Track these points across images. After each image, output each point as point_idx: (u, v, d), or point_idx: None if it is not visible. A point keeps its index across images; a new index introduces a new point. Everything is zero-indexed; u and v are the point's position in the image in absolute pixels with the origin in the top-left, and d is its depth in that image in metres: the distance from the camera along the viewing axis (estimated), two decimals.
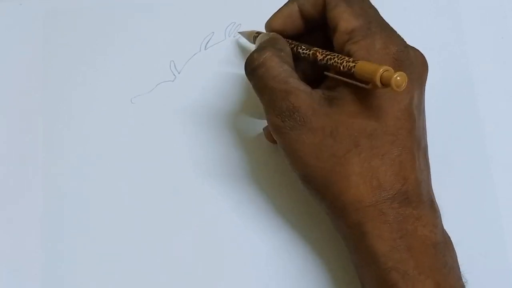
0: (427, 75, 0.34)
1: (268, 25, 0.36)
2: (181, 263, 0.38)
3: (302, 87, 0.32)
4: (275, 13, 0.36)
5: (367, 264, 0.31)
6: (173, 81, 0.42)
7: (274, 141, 0.37)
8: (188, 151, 0.40)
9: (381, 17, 0.33)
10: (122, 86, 0.42)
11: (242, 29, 0.42)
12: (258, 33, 0.38)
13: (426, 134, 0.34)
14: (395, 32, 0.33)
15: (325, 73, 0.33)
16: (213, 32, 0.43)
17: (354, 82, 0.31)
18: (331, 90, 0.32)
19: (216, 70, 0.42)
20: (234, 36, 0.43)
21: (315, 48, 0.34)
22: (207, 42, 0.42)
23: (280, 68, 0.32)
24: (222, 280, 0.38)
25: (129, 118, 0.41)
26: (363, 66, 0.30)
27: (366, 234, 0.30)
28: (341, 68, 0.31)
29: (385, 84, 0.29)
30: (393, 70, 0.29)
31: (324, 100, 0.32)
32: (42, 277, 0.38)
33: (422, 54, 0.34)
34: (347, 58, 0.31)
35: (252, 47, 0.39)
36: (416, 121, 0.32)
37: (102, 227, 0.39)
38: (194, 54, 0.42)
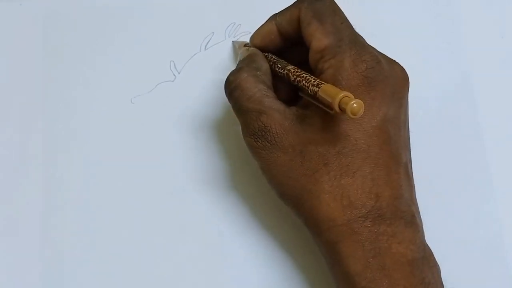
0: (407, 88, 0.34)
1: (251, 41, 0.37)
2: (177, 263, 0.38)
3: (276, 105, 0.33)
4: (256, 30, 0.37)
5: (343, 282, 0.31)
6: (173, 81, 0.42)
7: None
8: (187, 151, 0.40)
9: (354, 32, 0.33)
10: (122, 86, 0.42)
11: (242, 30, 0.42)
12: (247, 44, 0.39)
13: (408, 149, 0.34)
14: (367, 47, 0.33)
15: (299, 93, 0.34)
16: (213, 32, 0.43)
17: (320, 106, 0.31)
18: (304, 108, 0.33)
19: (216, 70, 0.42)
20: (234, 37, 0.43)
21: (289, 67, 0.34)
22: (207, 42, 0.42)
23: (255, 89, 0.33)
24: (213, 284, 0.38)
25: (129, 118, 0.41)
26: (325, 91, 0.30)
27: (339, 253, 0.30)
28: (308, 91, 0.32)
29: (342, 110, 0.29)
30: (352, 97, 0.29)
31: (296, 118, 0.32)
32: (42, 277, 0.38)
33: (401, 67, 0.34)
34: (312, 81, 0.31)
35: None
36: (392, 137, 0.32)
37: (101, 227, 0.39)
38: (194, 54, 0.42)
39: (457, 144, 0.40)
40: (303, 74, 0.33)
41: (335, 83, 0.31)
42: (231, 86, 0.34)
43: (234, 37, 0.43)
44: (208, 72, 0.42)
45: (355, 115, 0.28)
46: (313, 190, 0.31)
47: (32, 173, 0.40)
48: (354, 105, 0.28)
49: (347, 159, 0.31)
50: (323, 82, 0.31)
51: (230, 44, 0.42)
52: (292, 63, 0.35)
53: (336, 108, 0.29)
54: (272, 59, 0.36)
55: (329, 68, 0.32)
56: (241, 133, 0.34)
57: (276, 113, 0.32)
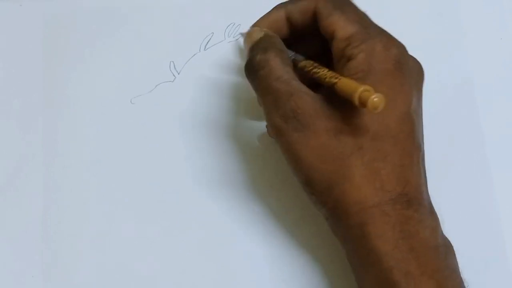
0: (423, 82, 0.34)
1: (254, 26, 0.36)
2: (178, 263, 0.38)
3: (305, 89, 0.32)
4: (262, 16, 0.36)
5: (368, 265, 0.31)
6: (172, 81, 0.42)
7: None
8: (187, 151, 0.40)
9: (375, 22, 0.34)
10: (122, 86, 0.42)
11: (242, 30, 0.42)
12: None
13: (423, 140, 0.34)
14: (392, 36, 0.33)
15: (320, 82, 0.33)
16: (213, 33, 0.43)
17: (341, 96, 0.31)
18: (332, 94, 0.32)
19: (215, 71, 0.42)
20: (234, 37, 0.43)
21: (304, 62, 0.34)
22: (207, 43, 0.42)
23: (283, 70, 0.32)
24: (221, 284, 0.38)
25: (129, 118, 0.41)
26: (343, 85, 0.30)
27: (368, 234, 0.30)
28: (326, 82, 0.32)
29: (363, 104, 0.29)
30: (372, 90, 0.29)
31: (326, 103, 0.32)
32: (42, 277, 0.38)
33: (418, 62, 0.34)
34: (329, 74, 0.31)
35: None
36: (416, 125, 0.32)
37: (101, 227, 0.39)
38: (194, 55, 0.42)
39: (457, 144, 0.40)
40: (320, 67, 0.33)
41: (368, 66, 0.31)
42: (257, 65, 0.33)
43: (234, 37, 0.43)
44: (208, 72, 0.42)
45: (376, 109, 0.29)
46: (347, 174, 0.31)
47: (32, 173, 0.40)
48: (375, 99, 0.28)
49: (380, 144, 0.31)
50: (339, 76, 0.31)
51: (230, 44, 0.42)
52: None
53: (357, 103, 0.29)
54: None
55: (360, 53, 0.32)
56: (265, 115, 0.33)
57: (306, 95, 0.32)
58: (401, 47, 0.33)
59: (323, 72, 0.32)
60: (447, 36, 0.43)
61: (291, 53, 0.35)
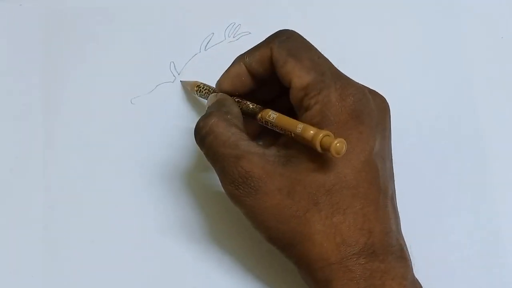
0: (389, 117, 0.34)
1: (218, 86, 0.36)
2: (178, 263, 0.38)
3: (254, 149, 0.31)
4: (223, 73, 0.35)
5: None
6: (173, 82, 0.42)
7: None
8: (187, 151, 0.40)
9: (333, 66, 0.32)
10: (122, 86, 0.42)
11: (242, 31, 0.42)
12: (199, 85, 0.38)
13: (393, 180, 0.33)
14: (350, 80, 0.32)
15: (275, 129, 0.33)
16: (213, 33, 0.43)
17: (300, 142, 0.30)
18: (286, 148, 0.32)
19: (216, 71, 0.41)
20: (234, 37, 0.43)
21: (260, 113, 0.33)
22: (207, 43, 0.42)
23: (229, 133, 0.32)
24: None
25: (129, 119, 0.41)
26: (304, 131, 0.30)
27: None
28: (285, 132, 0.31)
29: (325, 150, 0.29)
30: (332, 135, 0.29)
31: (278, 160, 0.31)
32: (42, 277, 0.38)
33: (382, 97, 0.33)
34: (289, 123, 0.31)
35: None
36: (380, 170, 0.31)
37: (101, 227, 0.39)
38: (194, 55, 0.42)
39: (457, 144, 0.40)
40: (273, 119, 0.32)
41: (323, 118, 0.30)
42: (202, 132, 0.32)
43: (234, 37, 0.42)
44: (208, 72, 0.41)
45: (339, 154, 0.28)
46: (305, 232, 0.30)
47: (32, 173, 0.40)
48: (338, 144, 0.28)
49: (337, 197, 0.30)
50: (300, 122, 0.30)
51: (230, 45, 0.42)
52: (261, 103, 0.34)
53: (318, 148, 0.29)
54: (242, 101, 0.35)
55: (316, 104, 0.31)
56: (219, 182, 0.32)
57: (255, 156, 0.31)
58: (358, 93, 0.31)
59: (281, 122, 0.32)
60: (447, 36, 0.43)
61: (252, 105, 0.34)
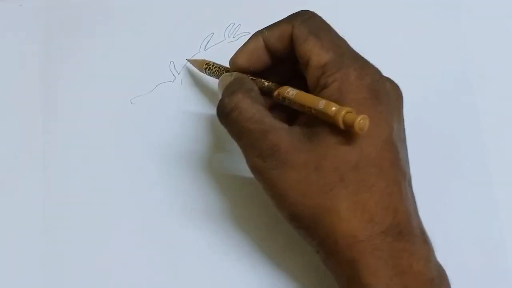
0: (403, 106, 0.34)
1: (233, 62, 0.35)
2: (178, 263, 0.38)
3: (279, 125, 0.32)
4: (239, 48, 0.35)
5: None
6: (172, 81, 0.42)
7: None
8: (187, 151, 0.40)
9: (352, 48, 0.33)
10: (122, 86, 0.42)
11: (241, 31, 0.42)
12: (209, 63, 0.38)
13: (409, 165, 0.33)
14: (368, 62, 0.32)
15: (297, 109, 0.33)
16: (213, 33, 0.43)
17: (321, 118, 0.30)
18: (308, 126, 0.32)
19: None
20: (234, 37, 0.43)
21: (278, 90, 0.33)
22: (207, 43, 0.42)
23: (253, 109, 0.32)
24: None
25: (129, 118, 0.41)
26: (326, 107, 0.30)
27: (360, 271, 0.29)
28: (305, 108, 0.31)
29: (348, 126, 0.29)
30: (354, 111, 0.29)
31: (303, 136, 0.31)
32: (42, 277, 0.38)
33: (397, 85, 0.34)
34: (309, 100, 0.31)
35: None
36: (399, 152, 0.32)
37: (101, 227, 0.39)
38: (194, 55, 0.42)
39: (456, 144, 0.40)
40: (293, 96, 0.32)
41: (341, 96, 0.30)
42: (227, 108, 0.32)
43: (233, 37, 0.43)
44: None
45: (362, 130, 0.28)
46: (332, 207, 0.30)
47: (32, 173, 0.40)
48: (361, 121, 0.28)
49: (363, 174, 0.30)
50: (321, 99, 0.30)
51: (230, 45, 0.42)
52: (276, 82, 0.34)
53: (341, 125, 0.29)
54: (258, 79, 0.35)
55: (334, 82, 0.31)
56: (244, 157, 0.32)
57: (282, 131, 0.31)
58: (375, 74, 0.32)
59: (301, 99, 0.32)
60: (447, 36, 0.43)
61: (268, 82, 0.34)
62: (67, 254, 0.39)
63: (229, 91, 0.33)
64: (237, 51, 0.35)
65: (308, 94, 0.32)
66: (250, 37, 0.35)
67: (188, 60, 0.41)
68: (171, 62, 0.42)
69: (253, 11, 0.43)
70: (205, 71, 0.39)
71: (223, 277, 0.38)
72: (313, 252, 0.32)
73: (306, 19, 0.33)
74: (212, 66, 0.38)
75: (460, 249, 0.38)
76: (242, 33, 0.43)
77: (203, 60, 0.39)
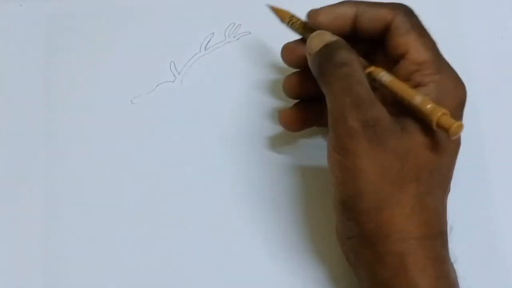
0: None
1: (314, 15, 0.34)
2: (182, 265, 0.38)
3: (380, 105, 0.31)
4: (326, 6, 0.34)
5: None
6: (173, 81, 0.42)
7: (292, 127, 0.37)
8: (188, 152, 0.40)
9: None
10: (123, 86, 0.42)
11: (242, 31, 0.42)
12: (293, 17, 0.36)
13: None
14: (457, 73, 0.33)
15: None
16: (213, 33, 0.43)
17: (409, 111, 0.31)
18: (399, 117, 0.31)
19: (216, 71, 0.42)
20: (234, 37, 0.43)
21: (372, 70, 0.33)
22: (207, 43, 0.42)
23: (363, 76, 0.31)
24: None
25: (130, 118, 0.41)
26: (422, 102, 0.30)
27: (408, 264, 0.30)
28: (403, 99, 0.31)
29: (441, 128, 0.29)
30: (449, 115, 0.29)
31: (397, 124, 0.31)
32: (43, 277, 0.38)
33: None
34: (407, 91, 0.31)
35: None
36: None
37: (102, 227, 0.39)
38: (194, 55, 0.42)
39: None
40: (392, 82, 0.32)
41: (438, 98, 0.31)
42: (339, 60, 0.31)
43: (234, 37, 0.43)
44: (208, 72, 0.42)
45: (455, 136, 0.29)
46: (400, 200, 0.30)
47: (33, 173, 0.40)
48: (457, 127, 0.29)
49: (436, 179, 0.31)
50: (419, 93, 0.31)
51: (230, 45, 0.42)
52: None
53: (434, 124, 0.29)
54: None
55: (432, 83, 0.31)
56: (337, 114, 0.30)
57: (383, 109, 0.31)
58: (464, 88, 0.33)
59: (397, 87, 0.31)
60: (447, 36, 0.42)
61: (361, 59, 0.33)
62: (67, 255, 0.39)
63: (345, 47, 0.32)
64: (323, 7, 0.34)
65: (404, 84, 0.32)
66: (341, 2, 0.34)
67: (271, 7, 0.37)
68: (172, 62, 0.42)
69: (253, 11, 0.43)
70: (288, 24, 0.36)
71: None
72: None
73: (410, 13, 0.33)
74: (296, 21, 0.36)
75: (460, 249, 0.38)
76: (242, 33, 0.43)
77: (287, 12, 0.36)
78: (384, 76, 0.32)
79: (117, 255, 0.38)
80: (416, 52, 0.32)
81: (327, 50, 0.32)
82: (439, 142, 0.31)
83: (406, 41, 0.32)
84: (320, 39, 0.33)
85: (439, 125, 0.29)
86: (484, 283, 0.37)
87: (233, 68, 0.42)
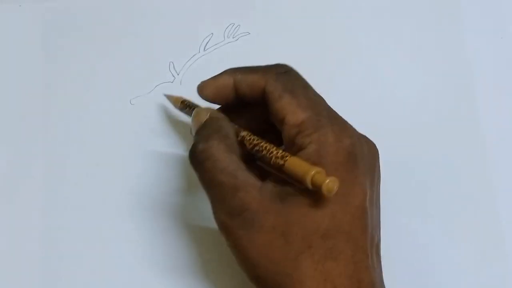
0: (379, 165, 0.33)
1: (200, 89, 0.34)
2: (178, 264, 0.38)
3: (252, 180, 0.30)
4: (209, 79, 0.34)
5: None
6: (172, 82, 0.42)
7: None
8: (188, 152, 0.40)
9: (329, 106, 0.32)
10: (122, 87, 0.42)
11: (241, 31, 0.42)
12: (184, 101, 0.37)
13: (379, 228, 0.33)
14: (346, 123, 0.31)
15: (257, 162, 0.32)
16: (212, 33, 0.43)
17: (284, 177, 0.29)
18: (282, 183, 0.30)
19: (215, 71, 0.41)
20: (234, 37, 0.43)
21: (244, 133, 0.32)
22: (207, 43, 0.42)
23: (228, 159, 0.30)
24: None
25: (129, 119, 0.41)
26: (294, 165, 0.29)
27: None
28: (271, 163, 0.30)
29: (316, 187, 0.28)
30: (324, 173, 0.28)
31: (275, 196, 0.30)
32: (42, 277, 0.38)
33: (372, 143, 0.33)
34: (275, 153, 0.30)
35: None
36: (369, 217, 0.30)
37: (101, 228, 0.39)
38: (194, 55, 0.42)
39: (457, 144, 0.40)
40: (262, 143, 0.31)
41: (319, 158, 0.29)
42: (201, 156, 0.31)
43: (233, 37, 0.42)
44: (207, 73, 0.41)
45: (330, 192, 0.28)
46: (295, 275, 0.29)
47: (32, 173, 0.40)
48: (329, 183, 0.28)
49: (331, 242, 0.29)
50: (288, 154, 0.30)
51: (229, 45, 0.42)
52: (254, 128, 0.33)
53: (309, 185, 0.28)
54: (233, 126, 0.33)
55: (312, 143, 0.30)
56: (212, 209, 0.31)
57: (254, 189, 0.30)
58: (353, 136, 0.31)
59: (267, 151, 0.30)
60: (447, 36, 0.43)
61: (234, 126, 0.33)
62: (66, 256, 0.39)
63: (203, 134, 0.32)
64: (207, 81, 0.34)
65: (277, 148, 0.30)
66: (222, 72, 0.34)
67: (165, 95, 0.40)
68: (171, 63, 0.42)
69: (253, 11, 0.43)
70: (180, 110, 0.38)
71: None
72: None
73: (281, 74, 0.32)
74: (188, 105, 0.37)
75: (460, 250, 0.38)
76: (242, 33, 0.43)
77: (179, 97, 0.38)
78: (256, 145, 0.31)
79: (117, 255, 0.38)
80: (292, 115, 0.31)
81: (193, 142, 0.32)
82: (325, 203, 0.29)
83: (281, 106, 0.31)
84: (196, 120, 0.34)
85: (313, 185, 0.28)
86: (485, 282, 0.37)
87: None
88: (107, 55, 0.42)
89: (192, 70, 0.42)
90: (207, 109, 0.34)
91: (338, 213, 0.29)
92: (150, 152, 0.40)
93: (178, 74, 0.42)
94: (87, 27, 0.43)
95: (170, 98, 0.39)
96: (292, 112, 0.31)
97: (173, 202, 0.39)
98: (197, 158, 0.31)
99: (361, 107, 0.41)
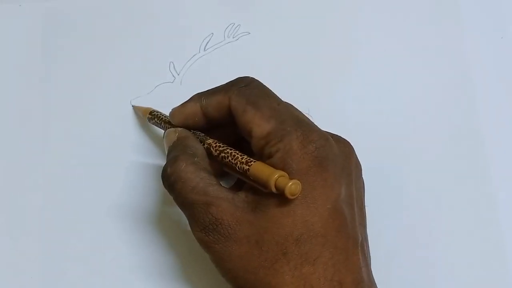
0: (354, 163, 0.33)
1: (171, 117, 0.35)
2: (177, 264, 0.38)
3: (223, 194, 0.31)
4: (178, 107, 0.35)
5: None
6: (172, 82, 0.42)
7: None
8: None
9: (294, 111, 0.32)
10: (122, 87, 0.42)
11: (241, 31, 0.42)
12: (153, 112, 0.38)
13: (363, 225, 0.33)
14: (312, 127, 0.31)
15: (224, 169, 0.32)
16: (212, 33, 0.43)
17: (250, 182, 0.30)
18: (254, 192, 0.31)
19: (215, 71, 0.42)
20: (233, 37, 0.43)
21: (209, 141, 0.33)
22: (207, 43, 0.42)
23: (197, 178, 0.31)
24: None
25: (129, 119, 0.41)
26: (258, 170, 0.29)
27: None
28: (237, 168, 0.31)
29: (280, 191, 0.28)
30: (287, 176, 0.28)
31: (247, 206, 0.30)
32: (42, 278, 0.38)
33: (346, 142, 0.33)
34: (240, 158, 0.30)
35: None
36: (348, 217, 0.31)
37: (100, 228, 0.39)
38: (194, 55, 0.42)
39: (457, 144, 0.40)
40: (228, 150, 0.32)
41: (285, 166, 0.30)
42: (171, 179, 0.32)
43: (233, 37, 0.42)
44: (208, 73, 0.42)
45: (293, 195, 0.28)
46: (273, 283, 0.29)
47: (32, 173, 0.40)
48: (292, 186, 0.28)
49: (306, 247, 0.29)
50: (252, 160, 0.30)
51: (229, 45, 0.42)
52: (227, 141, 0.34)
53: (273, 188, 0.28)
54: (199, 134, 0.34)
55: (277, 152, 0.30)
56: (190, 227, 0.32)
57: (225, 202, 0.30)
58: (320, 139, 0.31)
59: (232, 158, 0.31)
60: (447, 36, 0.43)
61: (200, 135, 0.34)
62: (65, 256, 0.39)
63: (171, 157, 0.32)
64: (176, 108, 0.35)
65: (242, 154, 0.31)
66: (189, 99, 0.35)
67: (133, 106, 0.41)
68: (171, 63, 0.42)
69: (253, 11, 0.43)
70: (149, 121, 0.38)
71: None
72: None
73: (243, 88, 0.32)
74: (156, 116, 0.37)
75: (460, 250, 0.38)
76: (242, 33, 0.43)
77: (148, 108, 0.39)
78: (220, 153, 0.32)
79: (116, 255, 0.38)
80: (257, 127, 0.31)
81: (163, 170, 0.32)
82: (295, 208, 0.29)
83: (246, 120, 0.31)
84: (167, 142, 0.34)
85: (277, 189, 0.28)
86: (485, 282, 0.37)
87: (233, 69, 0.42)
88: (107, 55, 0.42)
89: (192, 70, 0.42)
90: (176, 129, 0.35)
91: (310, 217, 0.29)
92: (150, 152, 0.40)
93: (178, 74, 0.42)
94: (87, 27, 0.43)
95: (138, 109, 0.39)
96: (257, 125, 0.31)
97: (172, 208, 0.39)
98: (167, 181, 0.32)
99: (361, 107, 0.41)
